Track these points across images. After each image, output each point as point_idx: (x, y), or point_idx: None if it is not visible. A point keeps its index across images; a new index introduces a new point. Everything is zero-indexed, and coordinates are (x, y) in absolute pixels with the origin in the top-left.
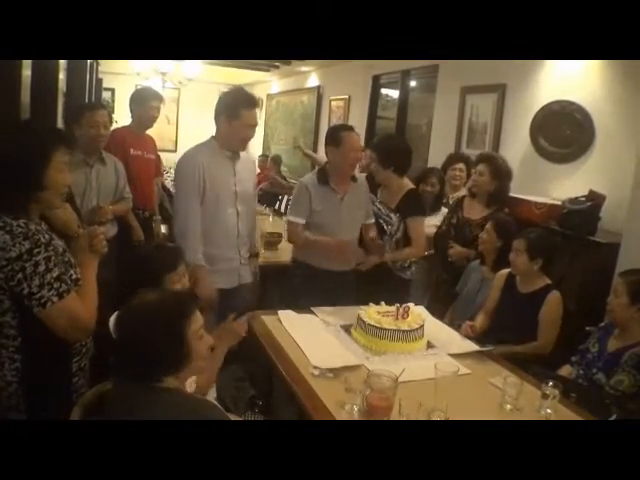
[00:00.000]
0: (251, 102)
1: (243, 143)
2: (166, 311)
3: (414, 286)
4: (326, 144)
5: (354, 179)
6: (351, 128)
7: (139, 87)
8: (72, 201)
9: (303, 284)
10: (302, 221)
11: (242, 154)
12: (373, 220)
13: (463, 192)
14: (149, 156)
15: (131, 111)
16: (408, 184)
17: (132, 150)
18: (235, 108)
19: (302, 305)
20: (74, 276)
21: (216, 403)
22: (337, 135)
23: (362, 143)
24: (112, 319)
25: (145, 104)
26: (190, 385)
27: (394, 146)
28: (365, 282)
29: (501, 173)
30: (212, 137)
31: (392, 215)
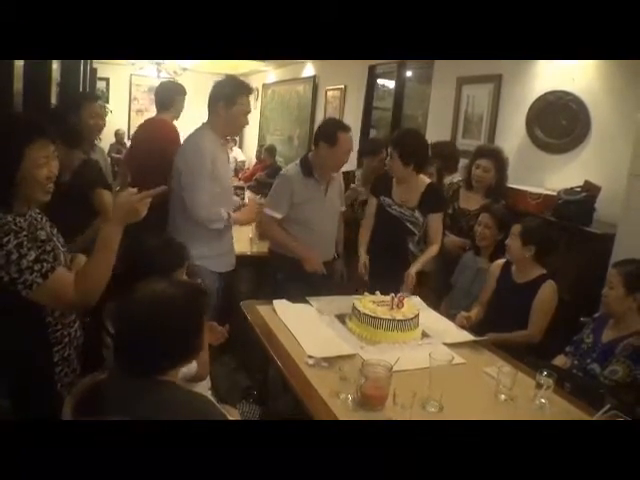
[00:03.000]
0: (247, 89)
1: (239, 129)
2: (187, 302)
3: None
4: (319, 138)
5: None
6: (347, 128)
7: (165, 80)
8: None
9: (286, 278)
10: (279, 216)
11: None
12: (344, 208)
13: (450, 178)
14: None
15: (170, 103)
16: (425, 179)
17: None
18: (233, 95)
19: (288, 299)
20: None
21: (210, 397)
22: (333, 133)
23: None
24: (108, 310)
25: (181, 98)
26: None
27: (418, 143)
28: (384, 273)
29: (504, 166)
30: (205, 124)
31: (416, 214)
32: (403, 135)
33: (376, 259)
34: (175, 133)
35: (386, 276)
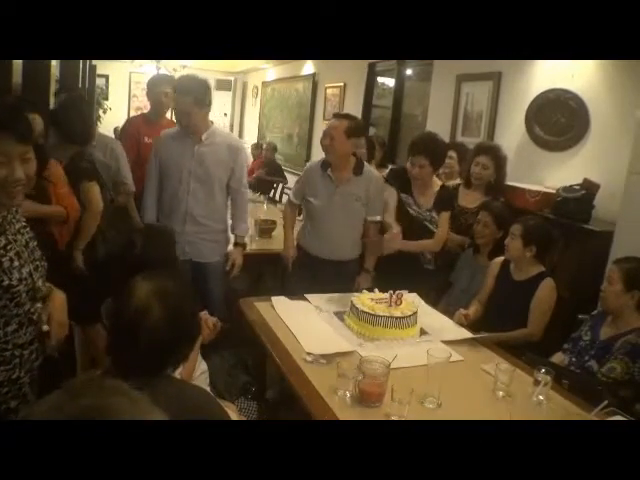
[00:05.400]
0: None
1: (183, 127)
2: (192, 298)
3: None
4: None
5: (358, 172)
6: (339, 115)
7: (155, 75)
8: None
9: (298, 271)
10: (296, 202)
11: (214, 139)
12: (379, 218)
13: (458, 180)
14: None
15: (148, 98)
16: (437, 181)
17: (146, 138)
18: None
19: (297, 291)
20: None
21: (209, 390)
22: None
23: (343, 130)
24: (106, 306)
25: (155, 90)
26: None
27: (443, 147)
28: (390, 271)
29: (502, 165)
30: None
31: (434, 215)
32: (428, 142)
33: (389, 260)
34: (124, 125)
35: (398, 277)
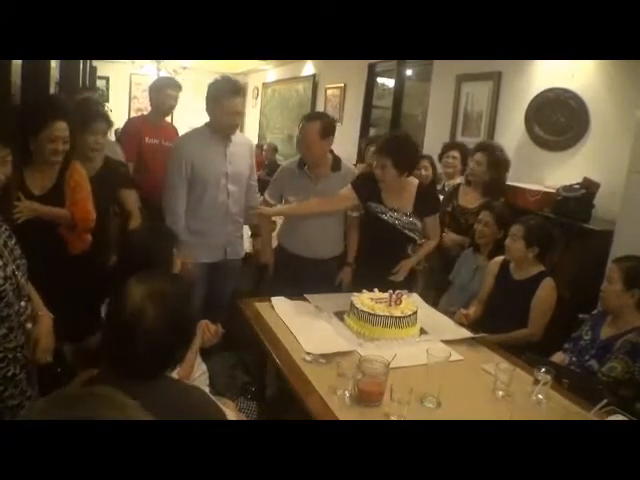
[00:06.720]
0: (232, 90)
1: (229, 129)
2: (190, 299)
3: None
4: None
5: (335, 168)
6: (310, 117)
7: (158, 77)
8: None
9: (280, 271)
10: (271, 202)
11: (236, 138)
12: (356, 214)
13: (459, 180)
14: (167, 144)
15: (150, 100)
16: (414, 180)
17: (147, 139)
18: (218, 97)
19: (278, 291)
20: None
21: (208, 391)
22: (300, 124)
23: (317, 132)
24: (106, 306)
25: (162, 92)
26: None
27: (410, 148)
28: (380, 272)
29: (499, 164)
30: (206, 123)
31: (415, 220)
32: (394, 142)
33: (372, 271)
34: (124, 126)
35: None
